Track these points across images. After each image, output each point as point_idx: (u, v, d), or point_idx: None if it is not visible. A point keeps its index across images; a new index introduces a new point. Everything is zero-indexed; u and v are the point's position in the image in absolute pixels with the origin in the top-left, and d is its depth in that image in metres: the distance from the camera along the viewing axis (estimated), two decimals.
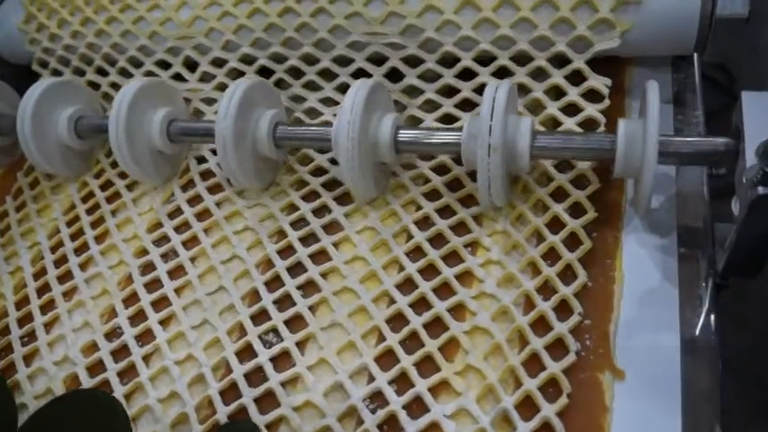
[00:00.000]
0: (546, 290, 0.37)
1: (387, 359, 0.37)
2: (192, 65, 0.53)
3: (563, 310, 0.36)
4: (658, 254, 0.38)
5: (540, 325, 0.36)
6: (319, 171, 0.47)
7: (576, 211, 0.40)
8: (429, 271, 0.40)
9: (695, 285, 0.37)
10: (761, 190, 0.31)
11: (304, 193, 0.46)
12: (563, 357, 0.35)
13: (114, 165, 0.53)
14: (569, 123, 0.42)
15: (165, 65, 0.54)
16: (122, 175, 0.52)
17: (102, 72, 0.57)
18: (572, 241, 0.39)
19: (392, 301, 0.39)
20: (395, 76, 0.48)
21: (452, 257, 0.40)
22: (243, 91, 0.43)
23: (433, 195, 0.43)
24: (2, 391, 0.38)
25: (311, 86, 0.50)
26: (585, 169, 0.41)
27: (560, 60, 0.44)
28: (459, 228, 0.41)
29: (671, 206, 0.40)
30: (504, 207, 0.41)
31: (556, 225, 0.39)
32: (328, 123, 0.44)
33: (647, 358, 0.34)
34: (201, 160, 0.51)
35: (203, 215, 0.48)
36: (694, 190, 0.41)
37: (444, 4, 0.45)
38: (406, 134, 0.41)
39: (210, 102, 0.52)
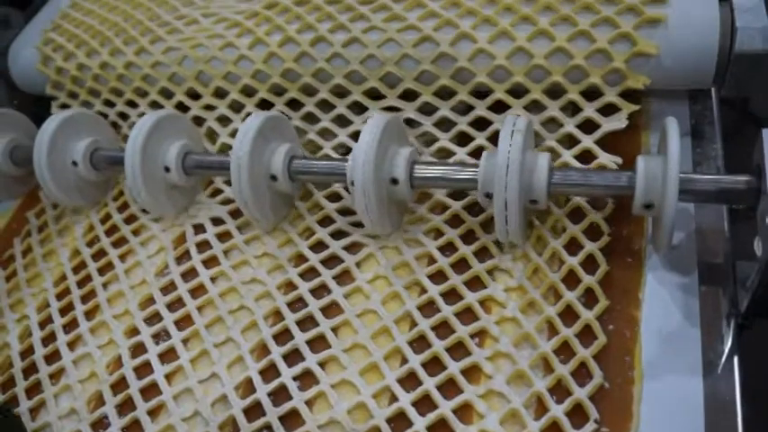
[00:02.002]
0: (559, 390, 0.35)
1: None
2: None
3: (577, 414, 0.34)
4: (679, 292, 0.37)
5: None
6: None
7: (589, 299, 0.38)
8: (435, 364, 0.37)
9: (717, 325, 0.35)
10: None
11: (301, 271, 0.44)
12: None
13: (109, 233, 0.51)
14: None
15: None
16: (116, 244, 0.50)
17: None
18: (586, 335, 0.36)
19: (393, 397, 0.37)
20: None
21: (457, 349, 0.38)
22: (258, 124, 0.42)
23: (439, 277, 0.41)
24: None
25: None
26: (594, 250, 0.39)
27: (570, 138, 0.43)
28: (465, 315, 0.39)
29: (691, 243, 0.39)
30: (514, 293, 0.39)
31: (569, 316, 0.37)
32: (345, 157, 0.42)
33: None
34: (199, 229, 0.49)
35: (198, 291, 0.45)
36: (714, 226, 0.39)
37: (459, 87, 0.45)
38: (421, 170, 0.40)
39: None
